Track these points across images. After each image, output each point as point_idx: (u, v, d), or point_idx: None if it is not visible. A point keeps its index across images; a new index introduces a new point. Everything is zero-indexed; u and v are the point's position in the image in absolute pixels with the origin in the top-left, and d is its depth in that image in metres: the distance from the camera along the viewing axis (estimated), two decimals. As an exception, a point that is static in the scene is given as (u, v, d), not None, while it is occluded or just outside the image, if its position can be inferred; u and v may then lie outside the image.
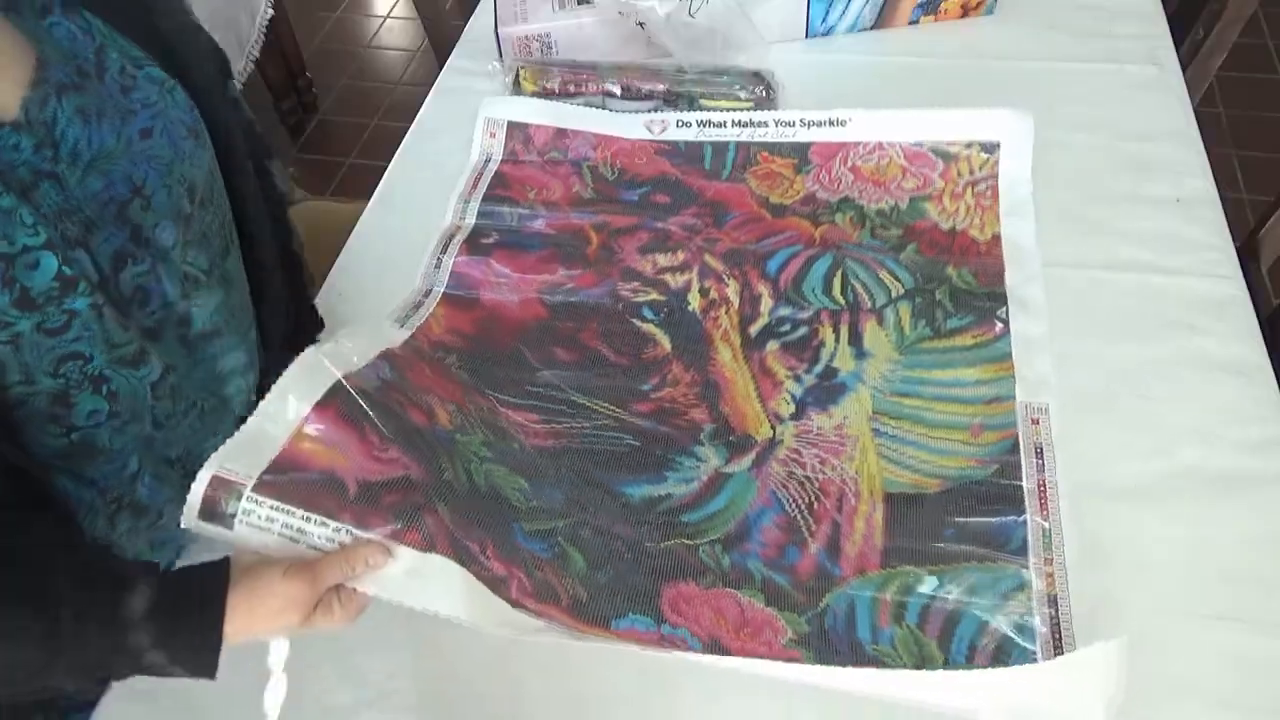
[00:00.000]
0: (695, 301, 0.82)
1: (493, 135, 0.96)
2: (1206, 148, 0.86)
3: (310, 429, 0.60)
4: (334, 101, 2.05)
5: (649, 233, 0.87)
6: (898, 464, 0.71)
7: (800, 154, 0.89)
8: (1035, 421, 0.71)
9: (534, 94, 0.95)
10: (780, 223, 0.87)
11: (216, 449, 0.57)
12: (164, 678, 0.51)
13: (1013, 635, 0.61)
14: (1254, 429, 0.68)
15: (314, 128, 2.00)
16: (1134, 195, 0.83)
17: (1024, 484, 0.68)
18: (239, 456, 0.58)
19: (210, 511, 0.56)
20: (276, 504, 0.57)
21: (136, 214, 0.58)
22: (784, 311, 0.80)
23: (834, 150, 0.89)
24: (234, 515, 0.56)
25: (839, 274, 0.81)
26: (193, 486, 0.56)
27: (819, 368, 0.77)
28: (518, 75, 0.95)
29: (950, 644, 0.62)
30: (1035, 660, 0.60)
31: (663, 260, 0.85)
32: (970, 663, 0.61)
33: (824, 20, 0.99)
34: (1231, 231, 0.81)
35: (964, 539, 0.66)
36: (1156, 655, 0.58)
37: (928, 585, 0.64)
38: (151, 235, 0.59)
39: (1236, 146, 1.73)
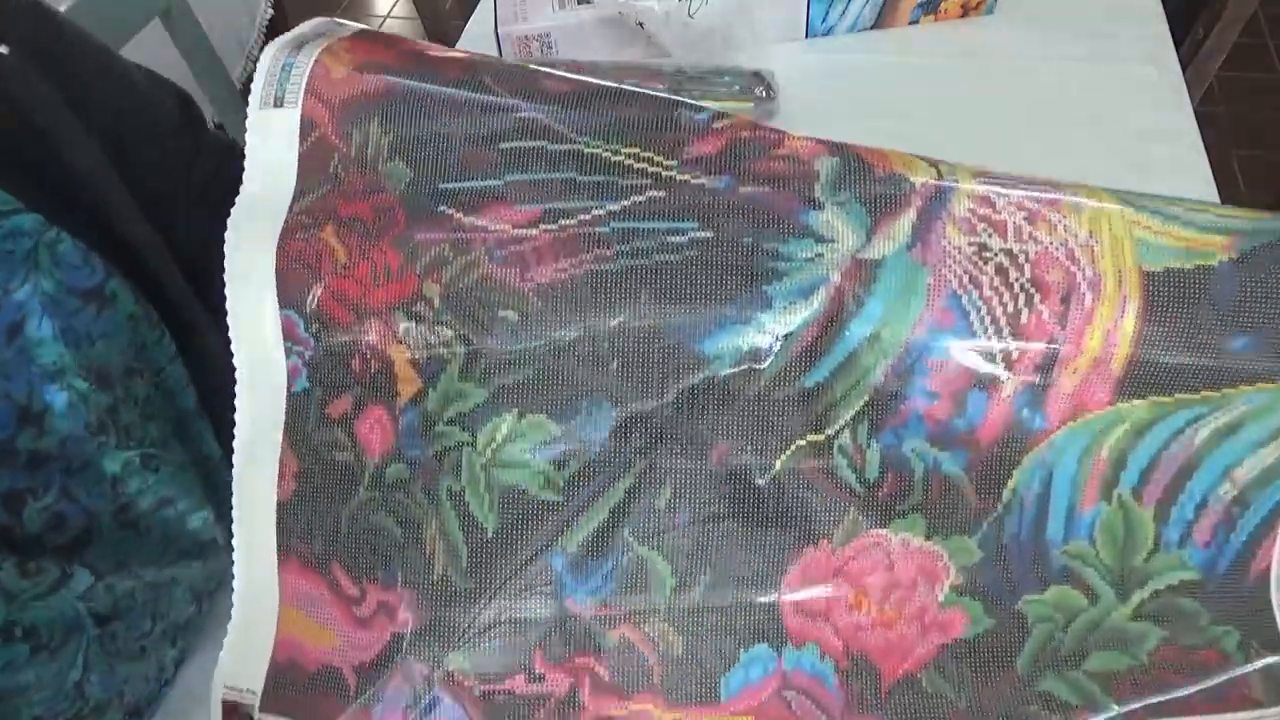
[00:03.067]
0: None
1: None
2: (1206, 148, 0.86)
3: (286, 598, 0.49)
4: (334, 102, 2.05)
5: None
6: (1158, 214, 0.44)
7: None
8: None
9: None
10: None
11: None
12: None
13: (1271, 478, 0.42)
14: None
15: (314, 128, 2.00)
16: (1134, 195, 0.83)
17: None
18: (240, 668, 0.50)
19: None
20: None
21: (28, 442, 0.46)
22: None
23: None
24: None
25: None
26: (212, 704, 0.50)
27: None
28: (518, 75, 0.95)
29: (1170, 512, 0.44)
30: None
31: None
32: (1188, 538, 0.44)
33: (824, 20, 0.99)
34: (1231, 231, 0.80)
35: (1266, 345, 0.42)
36: None
37: (1178, 419, 0.43)
38: (57, 451, 0.47)
39: (1236, 146, 1.73)
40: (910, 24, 1.00)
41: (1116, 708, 0.45)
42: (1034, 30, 0.98)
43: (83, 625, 0.51)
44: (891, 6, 0.99)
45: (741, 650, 0.45)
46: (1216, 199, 0.82)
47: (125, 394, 0.52)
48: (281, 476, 0.48)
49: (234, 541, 0.49)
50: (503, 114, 0.47)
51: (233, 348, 0.49)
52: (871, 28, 1.00)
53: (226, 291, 0.49)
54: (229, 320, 0.49)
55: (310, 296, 0.48)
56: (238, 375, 0.50)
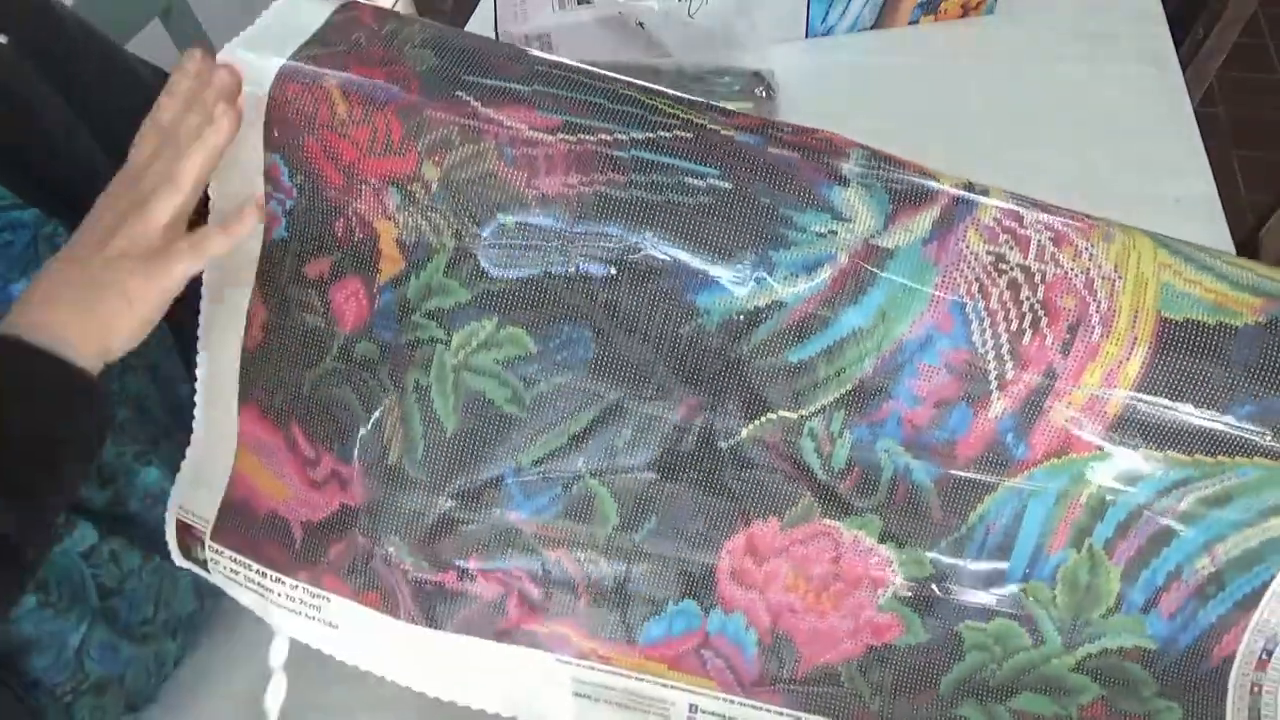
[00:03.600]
0: None
1: None
2: (1206, 148, 0.86)
3: (245, 440, 0.49)
4: (334, 101, 2.05)
5: None
6: (1192, 262, 0.43)
7: None
8: None
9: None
10: None
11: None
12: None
13: (1252, 562, 0.41)
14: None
15: (314, 128, 1.99)
16: (1134, 195, 0.83)
17: None
18: (194, 494, 0.51)
19: (186, 554, 0.52)
20: (235, 555, 0.50)
21: None
22: None
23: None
24: (205, 561, 0.51)
25: None
26: (166, 524, 0.51)
27: None
28: (518, 75, 0.95)
29: (1139, 573, 0.42)
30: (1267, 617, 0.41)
31: None
32: (1154, 604, 0.43)
33: (824, 20, 0.99)
34: (1231, 231, 0.80)
35: (1269, 418, 0.40)
36: None
37: (1167, 479, 0.41)
38: None
39: (1236, 146, 1.73)
40: (910, 24, 1.00)
41: None
42: (1034, 30, 0.98)
43: (87, 593, 0.52)
44: (891, 6, 0.98)
45: (670, 602, 0.45)
46: (1216, 199, 0.82)
47: (120, 390, 0.53)
48: (250, 324, 0.48)
49: (197, 373, 0.49)
50: (539, 58, 0.47)
51: (210, 188, 0.46)
52: (871, 28, 1.00)
53: None
54: None
55: (300, 145, 0.45)
56: (211, 208, 0.47)
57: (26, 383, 0.40)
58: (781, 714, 0.47)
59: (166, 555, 0.55)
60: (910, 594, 0.44)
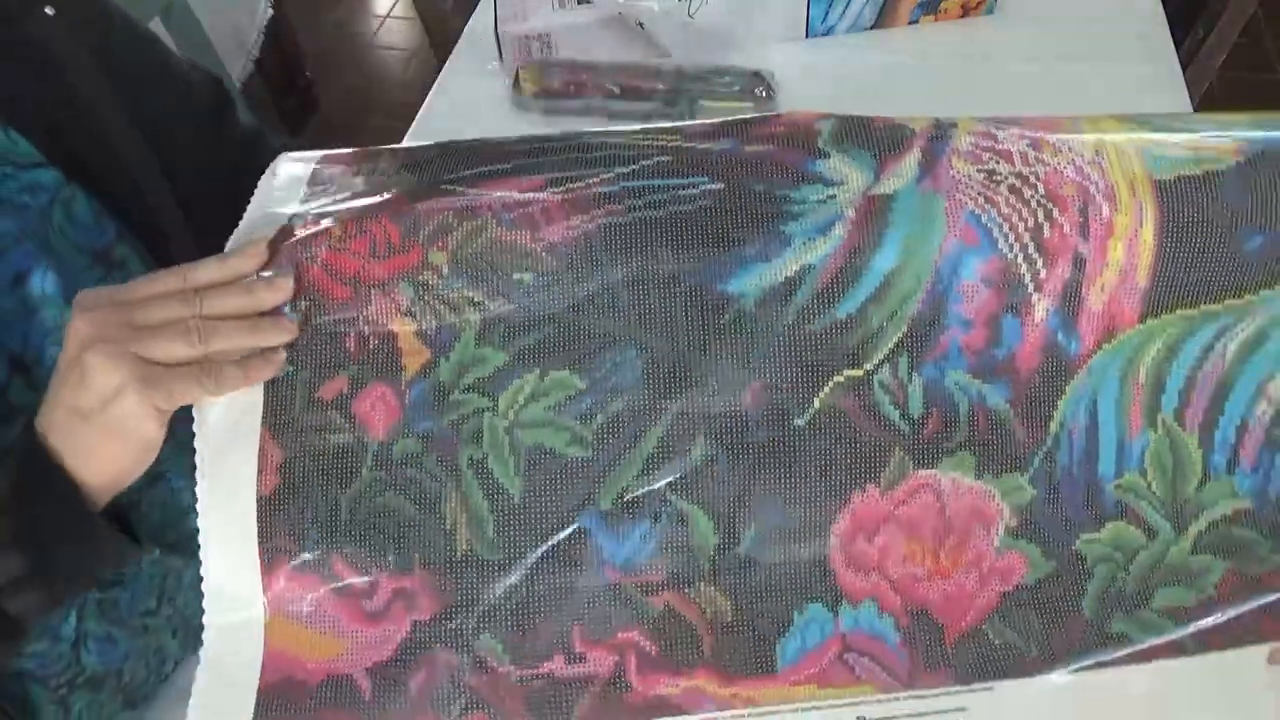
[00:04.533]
0: None
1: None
2: (1206, 148, 0.86)
3: (274, 606, 0.43)
4: (334, 101, 2.05)
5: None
6: (1158, 128, 0.45)
7: None
8: None
9: (534, 94, 0.95)
10: None
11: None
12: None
13: None
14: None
15: (314, 128, 2.00)
16: (1134, 195, 0.83)
17: None
18: (216, 705, 0.43)
19: None
20: None
21: (18, 394, 0.45)
22: None
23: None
24: None
25: None
26: None
27: None
28: (517, 75, 0.95)
29: (1213, 435, 0.43)
30: None
31: None
32: (1235, 463, 0.43)
33: (824, 20, 0.99)
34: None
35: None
36: None
37: (1206, 332, 0.42)
38: None
39: (1236, 146, 1.73)
40: (910, 24, 1.00)
41: (1189, 641, 0.44)
42: (1034, 30, 0.98)
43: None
44: (891, 6, 0.99)
45: (795, 612, 0.43)
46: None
47: None
48: (262, 471, 0.43)
49: (202, 555, 0.43)
50: (509, 141, 0.49)
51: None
52: (871, 28, 1.00)
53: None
54: None
55: (299, 273, 0.44)
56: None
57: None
58: (952, 692, 0.45)
59: (169, 548, 0.54)
60: (1020, 523, 0.43)
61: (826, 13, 0.98)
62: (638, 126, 0.48)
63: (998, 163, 0.44)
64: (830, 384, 0.43)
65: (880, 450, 0.43)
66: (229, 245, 0.46)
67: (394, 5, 2.28)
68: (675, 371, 0.43)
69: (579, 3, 0.96)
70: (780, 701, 0.44)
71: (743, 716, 0.44)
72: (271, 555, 0.43)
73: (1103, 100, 0.93)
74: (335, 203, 0.47)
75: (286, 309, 0.44)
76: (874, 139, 0.45)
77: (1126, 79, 0.93)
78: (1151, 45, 0.96)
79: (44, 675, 0.51)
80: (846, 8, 0.98)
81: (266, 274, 0.44)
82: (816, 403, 0.43)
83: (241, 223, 0.47)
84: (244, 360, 0.42)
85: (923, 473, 0.43)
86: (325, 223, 0.45)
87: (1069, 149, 0.44)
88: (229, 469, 0.43)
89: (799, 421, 0.43)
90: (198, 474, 0.43)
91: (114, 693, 0.55)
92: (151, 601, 0.55)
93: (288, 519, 0.43)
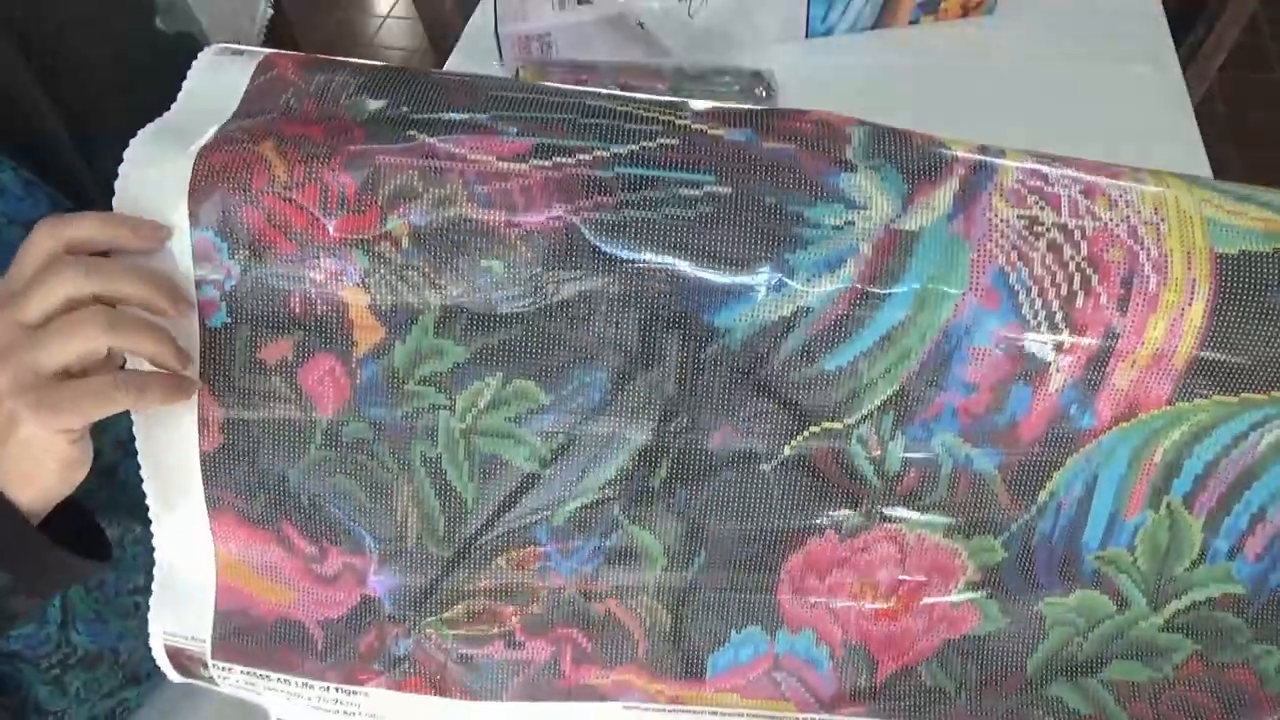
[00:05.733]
0: None
1: None
2: (1206, 148, 0.86)
3: (226, 550, 0.44)
4: (334, 101, 2.05)
5: None
6: (1228, 194, 0.41)
7: None
8: None
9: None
10: None
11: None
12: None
13: None
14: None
15: (314, 128, 2.00)
16: (1134, 195, 0.83)
17: None
18: (176, 614, 0.45)
19: (187, 673, 0.47)
20: (248, 669, 0.46)
21: None
22: None
23: None
24: (211, 679, 0.47)
25: None
26: (153, 652, 0.46)
27: None
28: (517, 74, 0.95)
29: (1222, 521, 0.40)
30: None
31: None
32: (1239, 549, 0.41)
33: (824, 20, 0.99)
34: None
35: None
36: None
37: (1242, 421, 0.39)
38: None
39: (1236, 146, 1.73)
40: (910, 24, 1.00)
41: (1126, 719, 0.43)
42: (1034, 30, 0.98)
43: None
44: (891, 6, 0.98)
45: (733, 631, 0.43)
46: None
47: None
48: (204, 425, 0.42)
49: (145, 488, 0.43)
50: (492, 81, 0.43)
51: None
52: (871, 28, 1.00)
53: (115, 204, 0.40)
54: None
55: (237, 217, 0.39)
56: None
57: None
58: None
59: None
60: (983, 579, 0.42)
61: (826, 13, 0.98)
62: (656, 97, 0.43)
63: (1043, 208, 0.39)
64: (806, 433, 0.40)
65: (846, 501, 0.41)
66: (138, 143, 0.40)
67: (394, 5, 2.28)
68: (645, 403, 0.40)
69: (579, 2, 0.96)
70: (702, 705, 0.44)
71: (663, 710, 0.45)
72: (215, 505, 0.43)
73: (1102, 100, 0.93)
74: (280, 119, 0.41)
75: (223, 252, 0.40)
76: (909, 158, 0.40)
77: (1126, 79, 0.92)
78: (1151, 45, 0.96)
79: (33, 657, 0.50)
80: (846, 8, 0.98)
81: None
82: (787, 450, 0.41)
83: (153, 124, 0.41)
84: (166, 377, 0.39)
85: (888, 526, 0.42)
86: (267, 153, 0.40)
87: (1125, 203, 0.39)
88: (169, 418, 0.42)
89: (766, 467, 0.41)
90: (134, 427, 0.42)
91: (112, 670, 0.54)
92: (140, 578, 0.54)
93: (233, 478, 0.42)
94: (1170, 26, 0.99)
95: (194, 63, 0.43)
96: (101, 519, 0.47)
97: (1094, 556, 0.42)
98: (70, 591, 0.51)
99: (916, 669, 0.44)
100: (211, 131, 0.41)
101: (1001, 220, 0.39)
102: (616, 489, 0.41)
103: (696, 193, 0.39)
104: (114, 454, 0.50)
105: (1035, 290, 0.38)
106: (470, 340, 0.40)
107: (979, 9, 1.00)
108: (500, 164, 0.39)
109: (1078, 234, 0.39)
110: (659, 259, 0.39)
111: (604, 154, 0.39)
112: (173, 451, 0.42)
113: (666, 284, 0.39)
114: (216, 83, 0.43)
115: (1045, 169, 0.41)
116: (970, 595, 0.42)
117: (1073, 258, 0.38)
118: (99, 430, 0.41)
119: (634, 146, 0.40)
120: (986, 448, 0.40)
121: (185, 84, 0.43)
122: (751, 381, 0.40)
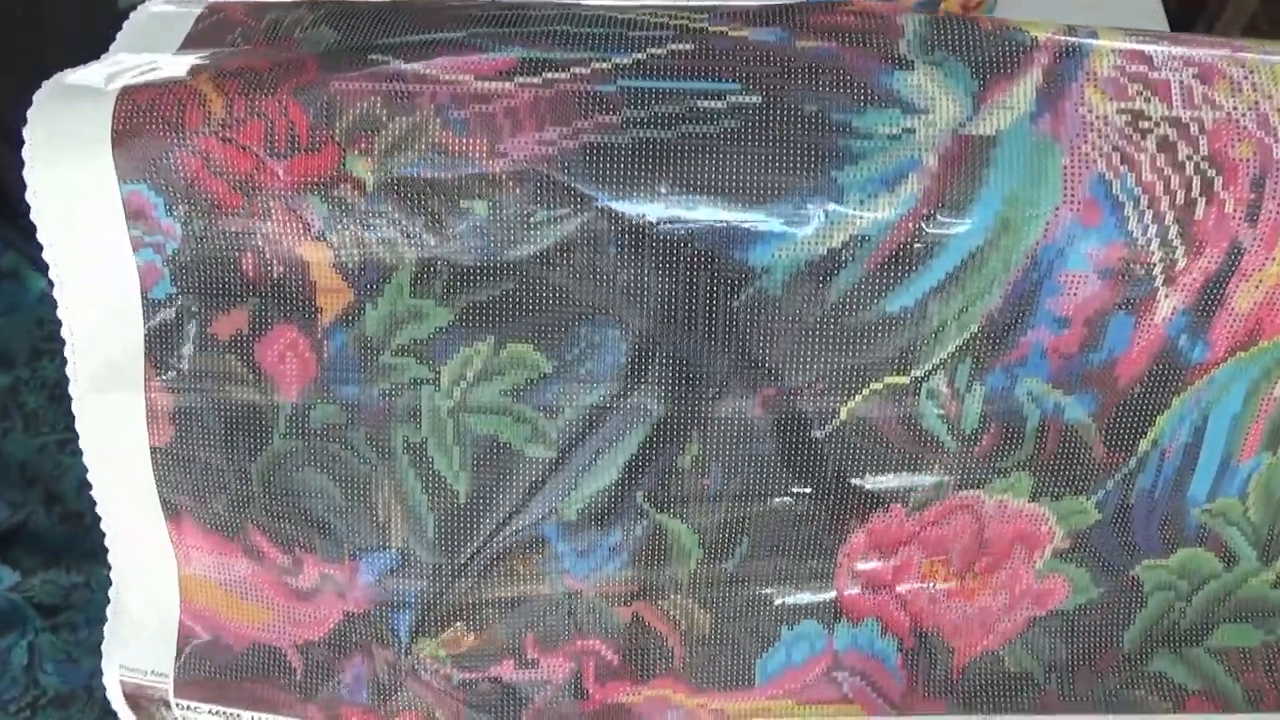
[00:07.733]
0: None
1: None
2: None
3: (187, 564, 0.38)
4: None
5: None
6: None
7: None
8: None
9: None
10: None
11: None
12: None
13: None
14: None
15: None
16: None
17: None
18: (134, 647, 0.40)
19: (147, 716, 0.41)
20: (217, 709, 0.40)
21: None
22: None
23: None
24: None
25: None
26: (108, 691, 0.40)
27: None
28: None
29: None
30: None
31: None
32: None
33: (823, 19, 0.98)
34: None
35: None
36: None
37: None
38: None
39: (1236, 147, 1.73)
40: (910, 23, 1.00)
41: (1241, 691, 0.38)
42: (1034, 30, 0.98)
43: (24, 615, 0.48)
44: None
45: (784, 628, 0.37)
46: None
47: (32, 375, 0.49)
48: (153, 418, 0.36)
49: (94, 494, 0.38)
50: (476, 4, 0.35)
51: (45, 249, 0.34)
52: (871, 27, 1.00)
53: (26, 157, 0.33)
54: (31, 200, 0.33)
55: (169, 163, 0.33)
56: (57, 289, 0.35)
57: None
58: None
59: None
60: (1072, 546, 0.36)
61: (825, 12, 0.98)
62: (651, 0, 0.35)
63: (1149, 99, 0.32)
64: (865, 391, 0.34)
65: (915, 469, 0.35)
66: (48, 90, 0.35)
67: (392, 3, 2.27)
68: (668, 364, 0.33)
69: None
70: (753, 716, 0.39)
71: None
72: (172, 511, 0.37)
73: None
74: (222, 56, 0.35)
75: (159, 209, 0.34)
76: (978, 49, 0.33)
77: (1126, 79, 0.92)
78: (1152, 45, 0.95)
79: (1, 701, 0.49)
80: (846, 7, 0.97)
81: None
82: (843, 413, 0.34)
83: (71, 71, 0.35)
84: None
85: (964, 494, 0.35)
86: (202, 86, 0.33)
87: (1252, 86, 0.32)
88: (112, 406, 0.36)
89: (818, 434, 0.34)
90: (76, 417, 0.37)
91: (86, 708, 0.52)
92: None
93: (189, 477, 0.37)
94: (1170, 26, 0.99)
95: (131, 15, 0.37)
96: (68, 565, 0.46)
97: (1201, 510, 0.36)
98: (38, 635, 0.50)
99: (998, 654, 0.39)
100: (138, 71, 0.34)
101: (1098, 117, 0.32)
102: (638, 471, 0.35)
103: (719, 105, 0.32)
104: (77, 500, 0.49)
105: (1146, 199, 0.32)
106: (454, 299, 0.34)
107: (979, 9, 1.00)
108: (480, 84, 0.32)
109: (1194, 127, 0.32)
110: (674, 189, 0.32)
111: (604, 66, 0.32)
112: (119, 450, 0.37)
113: (684, 219, 0.32)
114: (150, 30, 0.37)
115: (1149, 48, 0.33)
116: (1058, 565, 0.37)
117: (1189, 157, 0.32)
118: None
119: (640, 55, 0.33)
120: (1079, 393, 0.34)
121: (118, 35, 0.37)
122: (797, 331, 0.33)
